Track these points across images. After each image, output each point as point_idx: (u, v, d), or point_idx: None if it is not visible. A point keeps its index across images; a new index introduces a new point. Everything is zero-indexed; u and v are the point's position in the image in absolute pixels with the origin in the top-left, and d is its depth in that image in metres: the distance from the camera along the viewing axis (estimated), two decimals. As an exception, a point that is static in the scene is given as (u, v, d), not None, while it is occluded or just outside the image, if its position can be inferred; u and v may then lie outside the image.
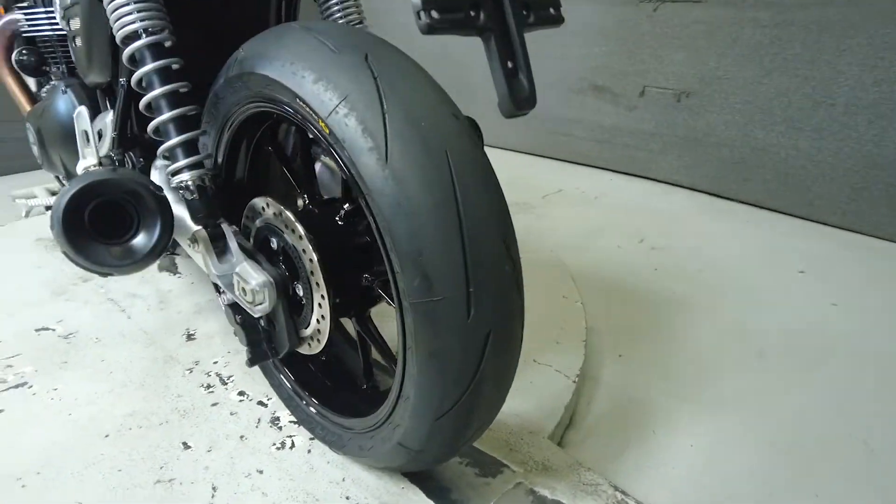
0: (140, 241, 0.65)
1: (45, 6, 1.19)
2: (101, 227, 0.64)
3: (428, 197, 0.61)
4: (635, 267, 1.74)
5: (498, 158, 2.95)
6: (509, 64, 0.58)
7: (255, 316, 0.82)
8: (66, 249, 0.62)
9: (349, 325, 0.97)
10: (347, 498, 0.89)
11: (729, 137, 2.13)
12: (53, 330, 1.31)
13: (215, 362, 1.21)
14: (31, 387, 1.13)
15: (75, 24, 0.91)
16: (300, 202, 0.88)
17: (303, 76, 0.67)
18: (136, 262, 0.65)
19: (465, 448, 0.97)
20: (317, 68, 0.66)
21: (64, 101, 1.08)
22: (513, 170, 2.74)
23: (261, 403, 1.09)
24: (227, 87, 0.81)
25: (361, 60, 0.65)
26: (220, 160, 0.92)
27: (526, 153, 2.93)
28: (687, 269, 1.73)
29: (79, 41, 0.92)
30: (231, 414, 1.07)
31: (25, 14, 1.24)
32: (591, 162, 2.65)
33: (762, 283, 1.65)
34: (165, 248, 0.68)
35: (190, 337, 1.30)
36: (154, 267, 1.22)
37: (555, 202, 2.30)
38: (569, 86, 2.57)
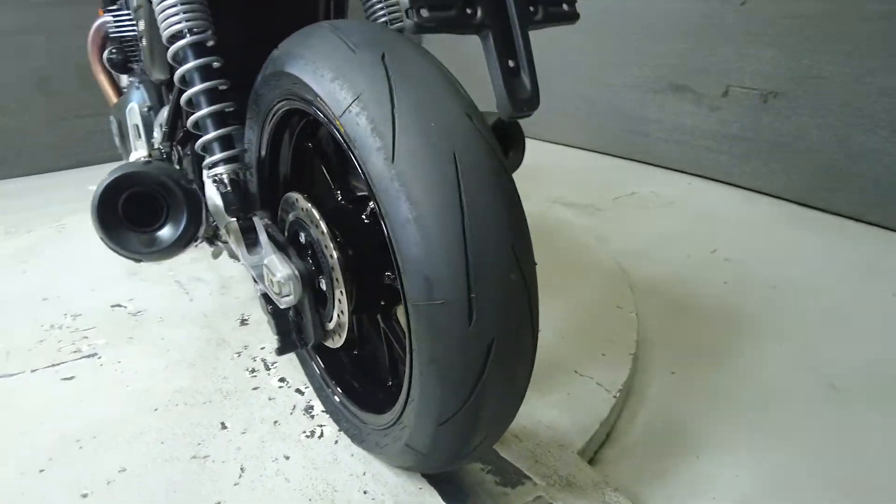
0: (166, 231, 0.69)
1: (127, 9, 1.28)
2: (134, 215, 0.68)
3: (431, 198, 0.60)
4: (703, 279, 1.63)
5: (568, 156, 2.88)
6: (510, 63, 0.55)
7: (282, 307, 0.84)
8: (99, 234, 0.66)
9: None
10: (365, 492, 0.90)
11: (822, 142, 1.94)
12: (125, 307, 1.42)
13: (262, 348, 1.26)
14: (99, 358, 1.23)
15: (141, 24, 0.98)
16: (332, 199, 0.89)
17: (322, 75, 0.68)
18: (160, 250, 0.69)
19: (485, 455, 0.96)
20: (335, 67, 0.67)
21: (135, 97, 1.16)
22: (584, 170, 2.66)
23: (298, 391, 1.13)
24: (265, 85, 0.83)
25: (378, 59, 0.65)
26: (262, 154, 0.95)
27: (599, 152, 2.83)
28: (761, 284, 1.60)
29: (144, 41, 0.98)
30: (269, 399, 1.11)
31: (113, 16, 1.34)
32: (668, 164, 2.52)
33: (847, 307, 1.50)
34: (192, 240, 0.72)
35: (243, 322, 1.37)
36: (222, 253, 1.29)
37: (625, 205, 2.20)
38: (647, 85, 2.46)
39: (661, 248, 1.82)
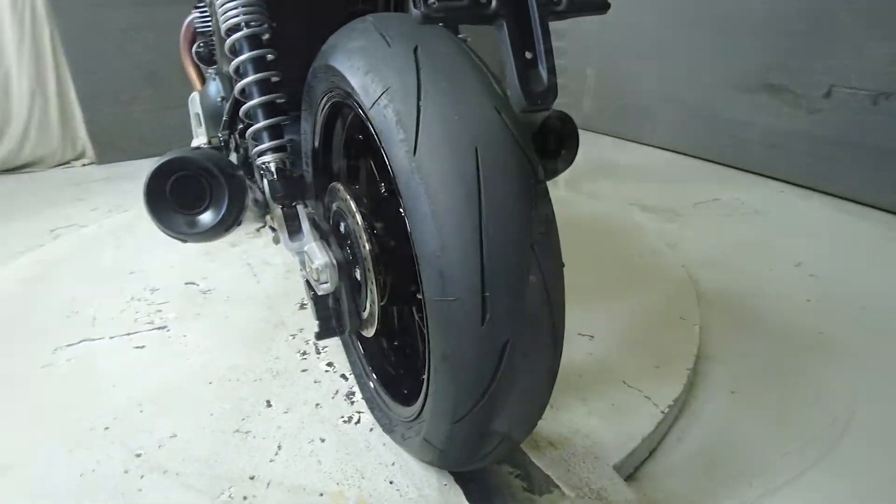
0: (207, 215, 0.73)
1: (210, 6, 1.37)
2: (182, 197, 0.73)
3: (449, 193, 0.59)
4: (783, 295, 1.51)
5: (651, 157, 2.74)
6: (527, 54, 0.53)
7: (320, 293, 0.87)
8: (147, 212, 0.71)
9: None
10: (391, 482, 0.91)
11: (940, 151, 1.73)
12: (197, 285, 1.51)
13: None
14: (168, 330, 1.32)
15: (215, 20, 1.04)
16: (374, 191, 0.90)
17: (358, 68, 0.69)
18: (201, 233, 0.73)
19: (514, 457, 0.94)
20: (369, 60, 0.68)
21: (211, 88, 1.23)
22: (666, 172, 2.53)
23: (343, 377, 1.16)
24: (314, 77, 0.86)
25: (409, 52, 0.65)
26: (316, 145, 0.98)
27: (684, 154, 2.68)
28: (849, 305, 1.45)
29: (217, 35, 1.04)
30: (315, 382, 1.14)
31: (200, 12, 1.44)
32: (759, 170, 2.34)
33: (952, 335, 1.33)
34: (234, 224, 0.75)
35: (302, 306, 1.42)
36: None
37: (706, 212, 2.08)
38: (739, 83, 2.29)
39: (739, 259, 1.70)
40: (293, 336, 1.30)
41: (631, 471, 0.99)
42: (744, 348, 1.30)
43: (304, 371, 1.18)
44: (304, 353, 1.23)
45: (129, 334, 1.30)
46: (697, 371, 1.21)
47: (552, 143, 0.86)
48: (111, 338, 1.29)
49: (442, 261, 0.60)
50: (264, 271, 1.59)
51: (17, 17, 2.59)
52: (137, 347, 1.26)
